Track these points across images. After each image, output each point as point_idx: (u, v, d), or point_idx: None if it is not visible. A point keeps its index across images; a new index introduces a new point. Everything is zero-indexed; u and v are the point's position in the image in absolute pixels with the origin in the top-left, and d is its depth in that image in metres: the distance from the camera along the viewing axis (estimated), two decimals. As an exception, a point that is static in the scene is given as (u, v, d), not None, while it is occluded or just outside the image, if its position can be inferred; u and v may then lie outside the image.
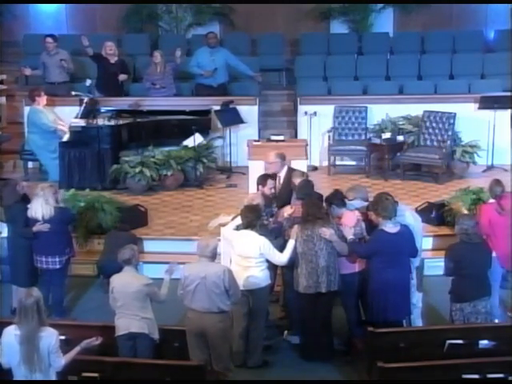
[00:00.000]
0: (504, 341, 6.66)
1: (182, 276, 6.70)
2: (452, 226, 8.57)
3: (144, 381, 6.35)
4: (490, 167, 11.60)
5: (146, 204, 10.19)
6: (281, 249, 7.33)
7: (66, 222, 8.24)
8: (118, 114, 11.50)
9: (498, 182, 8.05)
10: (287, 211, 7.75)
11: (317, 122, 12.04)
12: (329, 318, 7.48)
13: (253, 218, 7.23)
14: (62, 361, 5.67)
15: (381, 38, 13.72)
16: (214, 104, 11.91)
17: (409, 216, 7.51)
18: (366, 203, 7.67)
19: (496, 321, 7.41)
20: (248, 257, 7.20)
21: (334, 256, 7.31)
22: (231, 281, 6.62)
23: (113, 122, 11.20)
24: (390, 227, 7.11)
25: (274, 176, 8.47)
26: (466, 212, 8.63)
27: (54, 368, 5.65)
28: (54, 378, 5.68)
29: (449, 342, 6.71)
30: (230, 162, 11.82)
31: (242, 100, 12.11)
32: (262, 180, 8.21)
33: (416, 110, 11.85)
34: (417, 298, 7.62)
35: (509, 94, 11.70)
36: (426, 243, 8.81)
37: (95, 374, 6.26)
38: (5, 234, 8.40)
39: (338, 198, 7.62)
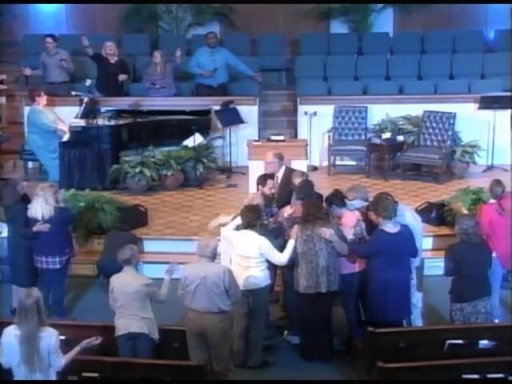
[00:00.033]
0: (504, 341, 6.66)
1: (182, 276, 6.70)
2: (452, 226, 8.57)
3: (144, 381, 6.35)
4: (490, 167, 11.60)
5: (146, 204, 10.19)
6: (281, 249, 7.33)
7: (66, 222, 8.24)
8: (118, 114, 11.50)
9: (498, 183, 8.05)
10: (287, 211, 7.75)
11: (317, 122, 12.04)
12: (329, 317, 7.48)
13: (253, 218, 7.23)
14: (62, 361, 5.67)
15: (381, 38, 13.72)
16: (214, 104, 11.91)
17: (409, 216, 7.51)
18: (365, 203, 7.67)
19: (496, 321, 7.41)
20: (248, 257, 7.20)
21: (334, 256, 7.31)
22: (231, 281, 6.62)
23: (113, 122, 11.20)
24: (390, 227, 7.11)
25: (272, 176, 8.46)
26: (465, 212, 8.63)
27: (54, 368, 5.65)
28: (54, 377, 5.68)
29: (449, 342, 6.71)
30: (230, 162, 11.82)
31: (242, 100, 12.11)
32: (262, 180, 8.21)
33: (416, 109, 11.85)
34: (417, 298, 7.62)
35: (509, 93, 11.71)
36: (426, 243, 8.81)
37: (95, 374, 6.26)
38: (5, 234, 8.40)
39: (338, 198, 7.62)
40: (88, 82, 11.82)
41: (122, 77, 12.32)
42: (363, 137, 11.91)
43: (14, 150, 11.97)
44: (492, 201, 8.05)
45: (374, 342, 6.79)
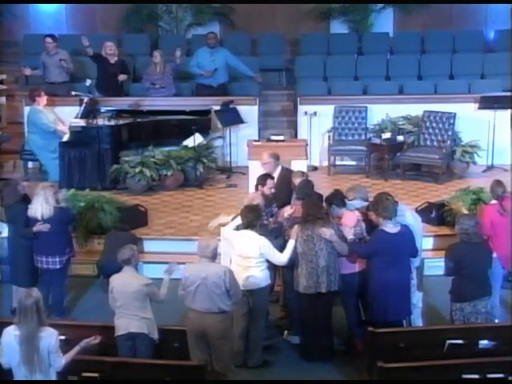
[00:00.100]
0: (504, 341, 6.66)
1: (182, 276, 6.69)
2: (452, 226, 8.57)
3: (144, 381, 6.35)
4: (490, 167, 11.60)
5: (146, 204, 10.19)
6: (281, 249, 7.33)
7: (66, 222, 8.24)
8: (118, 114, 11.51)
9: (499, 183, 8.04)
10: (287, 211, 7.75)
11: (317, 122, 12.04)
12: (329, 318, 7.48)
13: (253, 218, 7.23)
14: (62, 361, 5.67)
15: (381, 38, 13.72)
16: (214, 104, 11.91)
17: (409, 216, 7.51)
18: (366, 203, 7.67)
19: (496, 321, 7.41)
20: (248, 257, 7.20)
21: (334, 256, 7.31)
22: (232, 281, 6.62)
23: (113, 122, 11.20)
24: (391, 227, 7.11)
25: (272, 176, 8.45)
26: (466, 212, 8.62)
27: (54, 368, 5.65)
28: (54, 378, 5.68)
29: (449, 342, 6.70)
30: (230, 161, 11.82)
31: (241, 100, 12.11)
32: (262, 180, 8.20)
33: (416, 109, 11.85)
34: (417, 298, 7.61)
35: (509, 93, 11.70)
36: (426, 243, 8.81)
37: (95, 374, 6.26)
38: (5, 234, 8.40)
39: (338, 198, 7.62)
40: (88, 82, 11.82)
41: (122, 77, 12.32)
42: (363, 137, 11.91)
43: (14, 149, 11.97)
44: (493, 201, 8.04)
45: (374, 342, 6.79)
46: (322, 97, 12.40)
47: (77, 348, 5.87)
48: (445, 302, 7.50)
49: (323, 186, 9.76)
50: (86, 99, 11.48)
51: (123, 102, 12.09)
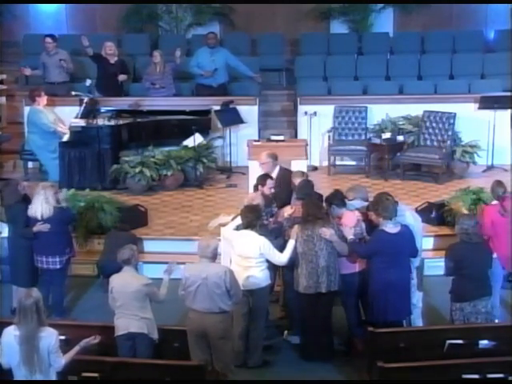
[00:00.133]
0: (504, 341, 6.66)
1: (183, 277, 6.69)
2: (452, 226, 8.57)
3: (144, 381, 6.35)
4: (490, 167, 11.60)
5: (146, 204, 10.19)
6: (281, 249, 7.33)
7: (66, 222, 8.24)
8: (118, 114, 11.51)
9: (499, 184, 8.04)
10: (287, 211, 7.75)
11: (317, 122, 12.04)
12: (329, 318, 7.48)
13: (253, 218, 7.23)
14: (62, 361, 5.67)
15: (381, 38, 13.72)
16: (214, 104, 11.91)
17: (409, 216, 7.51)
18: (366, 203, 7.67)
19: (496, 321, 7.41)
20: (248, 257, 7.20)
21: (334, 256, 7.31)
22: (232, 281, 6.62)
23: (113, 122, 11.20)
24: (391, 227, 7.11)
25: (271, 176, 8.45)
26: (466, 212, 8.63)
27: (54, 368, 5.65)
28: (54, 378, 5.67)
29: (449, 342, 6.70)
30: (230, 161, 11.82)
31: (241, 100, 12.11)
32: (262, 180, 8.20)
33: (416, 109, 11.85)
34: (417, 298, 7.61)
35: (509, 93, 11.70)
36: (426, 243, 8.81)
37: (95, 374, 6.26)
38: (5, 234, 8.40)
39: (338, 198, 7.62)
40: (88, 82, 11.83)
41: (122, 77, 12.32)
42: (363, 137, 11.90)
43: (14, 149, 11.97)
44: (494, 202, 8.04)
45: (374, 342, 6.78)
46: (322, 97, 12.39)
47: (76, 348, 5.87)
48: (445, 302, 7.50)
49: (323, 186, 9.76)
50: (86, 99, 11.48)
51: (123, 102, 12.09)
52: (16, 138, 12.10)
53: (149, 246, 9.39)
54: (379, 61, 13.20)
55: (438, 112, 11.55)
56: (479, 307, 7.09)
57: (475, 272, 7.07)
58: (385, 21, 14.22)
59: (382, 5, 14.16)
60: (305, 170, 9.08)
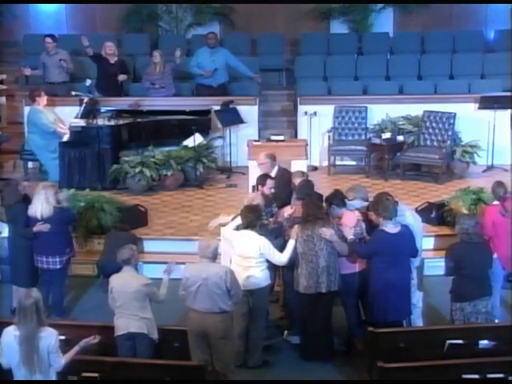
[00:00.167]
0: (504, 341, 6.66)
1: (183, 277, 6.69)
2: (452, 226, 8.57)
3: (144, 381, 6.35)
4: (490, 167, 11.60)
5: (146, 204, 10.19)
6: (281, 249, 7.33)
7: (66, 222, 8.24)
8: (118, 114, 11.51)
9: (500, 184, 8.04)
10: (287, 211, 7.74)
11: (317, 122, 12.04)
12: (329, 318, 7.48)
13: (253, 218, 7.23)
14: (62, 361, 5.67)
15: (381, 38, 13.72)
16: (214, 104, 11.91)
17: (409, 216, 7.51)
18: (366, 203, 7.67)
19: (496, 321, 7.41)
20: (248, 257, 7.20)
21: (335, 256, 7.31)
22: (233, 281, 6.62)
23: (113, 122, 11.20)
24: (391, 227, 7.11)
25: (271, 176, 8.44)
26: (466, 212, 8.63)
27: (54, 368, 5.65)
28: (54, 378, 5.67)
29: (449, 342, 6.70)
30: (230, 161, 11.82)
31: (241, 100, 12.11)
32: (262, 180, 8.20)
33: (416, 109, 11.85)
34: (417, 298, 7.61)
35: (509, 93, 11.70)
36: (426, 243, 8.80)
37: (95, 374, 6.26)
38: (5, 233, 8.40)
39: (338, 198, 7.62)
40: (88, 82, 11.83)
41: (122, 77, 12.32)
42: (363, 137, 11.90)
43: (14, 149, 11.97)
44: (495, 202, 8.04)
45: (374, 342, 6.78)
46: (322, 97, 12.39)
47: (76, 348, 5.87)
48: (445, 302, 7.50)
49: (323, 186, 9.76)
50: (86, 99, 11.48)
51: (123, 102, 12.09)
52: (16, 137, 12.10)
53: (149, 246, 9.39)
54: (379, 61, 13.20)
55: (437, 112, 11.55)
56: (479, 307, 7.09)
57: (475, 272, 7.07)
58: (385, 21, 14.22)
59: (381, 5, 14.16)
60: (305, 170, 9.09)
